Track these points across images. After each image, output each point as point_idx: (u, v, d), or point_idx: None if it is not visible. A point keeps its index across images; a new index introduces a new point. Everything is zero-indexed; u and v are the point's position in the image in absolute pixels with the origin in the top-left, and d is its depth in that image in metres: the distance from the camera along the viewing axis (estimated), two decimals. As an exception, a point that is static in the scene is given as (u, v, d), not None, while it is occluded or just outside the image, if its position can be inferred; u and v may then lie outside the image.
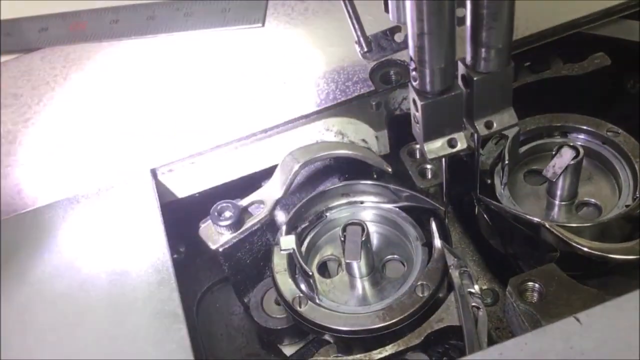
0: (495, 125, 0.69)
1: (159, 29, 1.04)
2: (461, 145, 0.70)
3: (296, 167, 0.86)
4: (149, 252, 0.78)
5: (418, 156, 0.87)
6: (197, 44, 1.01)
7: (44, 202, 0.85)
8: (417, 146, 0.87)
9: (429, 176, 0.87)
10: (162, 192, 0.87)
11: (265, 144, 0.89)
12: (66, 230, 0.82)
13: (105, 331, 0.73)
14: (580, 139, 0.85)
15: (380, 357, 0.71)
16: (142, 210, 0.82)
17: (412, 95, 0.67)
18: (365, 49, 0.69)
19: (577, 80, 0.91)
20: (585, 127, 0.85)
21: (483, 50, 0.64)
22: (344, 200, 0.86)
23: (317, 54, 0.96)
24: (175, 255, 0.87)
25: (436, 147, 0.70)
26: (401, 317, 0.72)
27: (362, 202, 0.86)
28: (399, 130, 0.89)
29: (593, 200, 0.81)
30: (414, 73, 0.65)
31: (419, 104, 0.66)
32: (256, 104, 0.91)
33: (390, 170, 0.87)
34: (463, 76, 0.67)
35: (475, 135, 0.72)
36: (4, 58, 1.06)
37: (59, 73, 1.01)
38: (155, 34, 1.04)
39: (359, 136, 0.90)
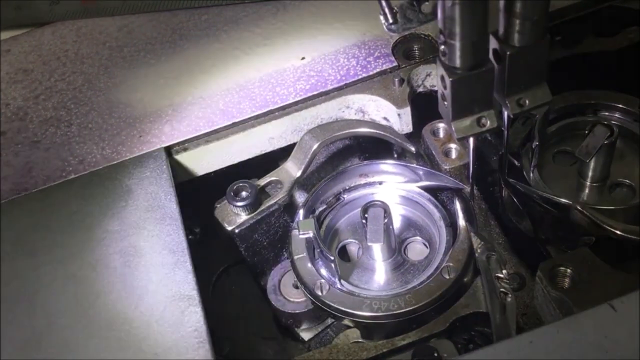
0: (527, 102, 0.66)
1: (174, 4, 1.01)
2: (491, 124, 0.67)
3: (315, 146, 0.83)
4: (164, 233, 0.76)
5: (442, 135, 0.84)
6: (213, 19, 0.98)
7: (55, 181, 0.82)
8: (441, 125, 0.84)
9: (454, 156, 0.83)
10: (177, 172, 0.84)
11: (283, 122, 0.86)
12: (78, 210, 0.80)
13: (120, 314, 0.71)
14: (613, 117, 0.82)
15: (403, 344, 0.68)
16: (156, 189, 0.80)
17: (441, 70, 0.63)
18: (391, 21, 0.66)
19: (610, 56, 0.87)
20: (618, 105, 0.81)
21: (517, 22, 0.60)
22: (362, 181, 0.83)
23: (337, 28, 0.92)
24: (190, 236, 0.84)
25: (465, 125, 0.67)
26: (428, 300, 0.69)
27: (380, 183, 0.83)
28: (422, 108, 0.86)
29: (627, 181, 0.78)
30: (443, 47, 0.61)
31: (447, 80, 0.63)
32: (274, 80, 0.88)
33: (413, 149, 0.84)
34: (495, 50, 0.64)
35: (505, 113, 0.69)
36: (15, 32, 1.03)
37: (70, 48, 0.98)
38: (169, 9, 1.00)
39: (381, 114, 0.86)
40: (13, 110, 0.92)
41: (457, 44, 0.60)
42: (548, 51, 0.64)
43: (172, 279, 0.72)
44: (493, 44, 0.64)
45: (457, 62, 0.62)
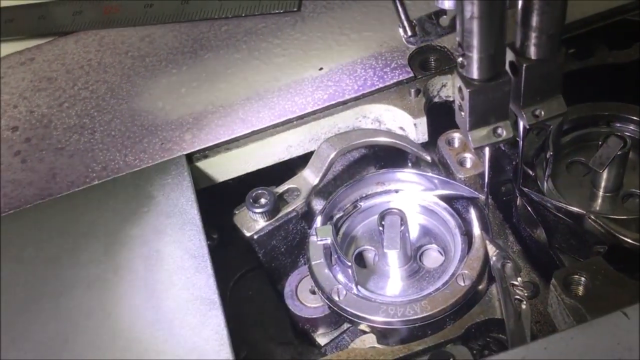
0: (543, 114, 0.68)
1: (194, 14, 1.03)
2: (507, 134, 0.68)
3: (332, 154, 0.85)
4: (185, 238, 0.78)
5: (457, 145, 0.85)
6: (233, 29, 1.00)
7: (79, 187, 0.84)
8: (456, 134, 0.85)
9: (469, 165, 0.85)
10: (197, 178, 0.86)
11: (301, 131, 0.88)
12: (101, 215, 0.82)
13: (142, 317, 0.72)
14: (626, 128, 0.83)
15: (419, 349, 0.70)
16: (178, 195, 0.82)
17: (459, 82, 0.65)
18: (409, 34, 0.67)
19: (623, 68, 0.88)
20: (631, 116, 0.82)
21: (534, 35, 0.62)
22: (379, 189, 0.85)
23: (354, 39, 0.94)
24: (208, 242, 0.86)
25: (481, 135, 0.68)
26: (443, 307, 0.71)
27: (397, 191, 0.84)
28: (438, 117, 0.87)
29: (639, 191, 0.79)
30: (461, 59, 0.63)
31: (465, 91, 0.64)
32: (292, 89, 0.90)
33: (429, 158, 0.85)
34: (511, 62, 0.65)
35: (521, 123, 0.70)
36: (38, 41, 1.05)
37: (93, 57, 1.00)
38: (189, 19, 1.03)
39: (397, 124, 0.88)
40: (37, 118, 0.94)
41: (475, 57, 0.62)
42: (563, 64, 0.65)
43: (193, 283, 0.74)
44: (510, 56, 0.66)
45: (475, 74, 0.63)
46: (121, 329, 0.72)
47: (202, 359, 0.69)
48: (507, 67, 0.66)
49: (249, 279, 0.93)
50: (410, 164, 0.92)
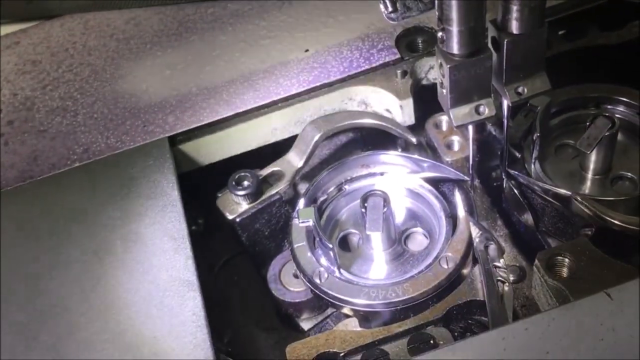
0: (526, 91, 0.66)
1: (180, -3, 1.02)
2: (489, 112, 0.67)
3: (317, 136, 0.84)
4: (165, 220, 0.77)
5: (445, 128, 0.84)
6: (219, 12, 0.99)
7: (60, 169, 0.84)
8: (444, 117, 0.84)
9: (456, 148, 0.83)
10: (180, 161, 0.85)
11: (286, 113, 0.87)
12: (82, 197, 0.81)
13: (120, 298, 0.71)
14: (615, 110, 0.81)
15: (399, 331, 0.68)
16: (159, 177, 0.81)
17: (439, 57, 0.63)
18: (390, 9, 0.66)
19: (614, 49, 0.87)
20: (621, 98, 0.81)
21: (515, 8, 0.60)
22: (364, 172, 0.83)
23: (341, 21, 0.93)
24: (193, 227, 0.85)
25: (463, 113, 0.67)
26: (425, 289, 0.69)
27: (382, 174, 0.83)
28: (425, 100, 0.86)
29: (629, 174, 0.77)
30: (440, 33, 0.62)
31: (445, 66, 0.63)
32: (277, 71, 0.89)
33: (414, 140, 0.84)
34: (493, 38, 0.64)
35: (505, 102, 0.69)
36: (24, 25, 1.04)
37: (78, 40, 0.99)
38: (176, 3, 1.01)
39: (383, 106, 0.87)
40: (21, 100, 0.93)
41: (455, 30, 0.60)
42: (545, 40, 0.64)
43: (172, 264, 0.73)
44: (491, 32, 0.64)
45: (455, 49, 0.62)
46: (99, 310, 0.71)
47: (179, 341, 0.67)
48: (489, 43, 0.64)
49: (235, 264, 0.92)
50: (400, 149, 0.91)
